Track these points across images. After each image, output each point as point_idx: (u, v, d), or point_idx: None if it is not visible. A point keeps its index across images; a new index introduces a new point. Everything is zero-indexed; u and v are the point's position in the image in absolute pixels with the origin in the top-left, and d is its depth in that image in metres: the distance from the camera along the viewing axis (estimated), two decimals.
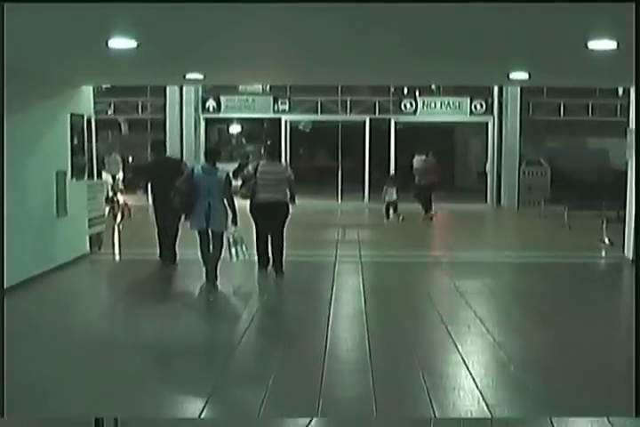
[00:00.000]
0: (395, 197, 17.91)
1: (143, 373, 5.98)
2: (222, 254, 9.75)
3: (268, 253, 10.45)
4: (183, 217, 9.99)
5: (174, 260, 11.11)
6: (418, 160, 19.12)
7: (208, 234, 9.73)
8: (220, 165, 9.93)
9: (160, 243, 11.15)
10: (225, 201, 9.60)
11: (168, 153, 12.08)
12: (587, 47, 7.07)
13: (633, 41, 4.86)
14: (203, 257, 9.81)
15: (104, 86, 19.52)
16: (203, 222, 9.59)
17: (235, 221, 9.69)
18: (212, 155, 10.13)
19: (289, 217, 10.46)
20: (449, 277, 10.51)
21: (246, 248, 9.93)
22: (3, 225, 7.19)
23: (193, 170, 9.81)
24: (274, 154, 11.03)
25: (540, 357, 6.50)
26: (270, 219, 10.30)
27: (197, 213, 9.57)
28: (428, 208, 18.31)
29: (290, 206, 10.43)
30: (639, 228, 9.76)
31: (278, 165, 10.71)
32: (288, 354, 6.51)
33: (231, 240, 9.82)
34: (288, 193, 10.35)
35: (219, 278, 9.65)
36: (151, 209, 11.27)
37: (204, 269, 9.75)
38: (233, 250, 9.84)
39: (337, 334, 7.29)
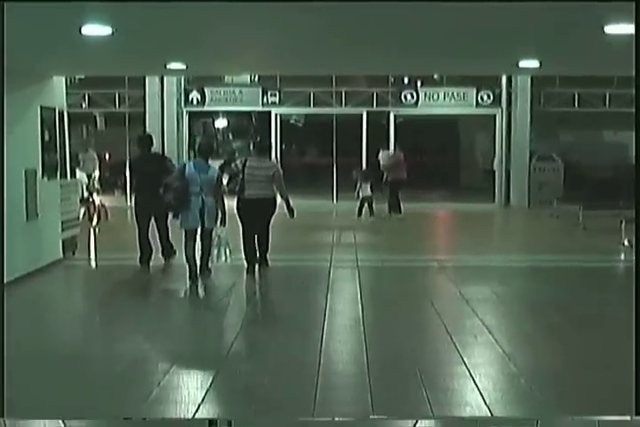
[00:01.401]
0: (369, 192, 17.96)
1: (109, 389, 5.96)
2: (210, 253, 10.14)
3: (256, 256, 10.71)
4: (171, 215, 10.18)
5: (170, 256, 11.33)
6: (384, 156, 19.12)
7: (196, 233, 9.97)
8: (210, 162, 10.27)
9: (141, 246, 11.23)
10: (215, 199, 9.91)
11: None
12: (603, 31, 7.06)
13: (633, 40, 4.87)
14: (187, 256, 10.00)
15: (78, 77, 19.50)
16: (198, 221, 9.86)
17: (223, 222, 10.02)
18: (205, 151, 10.46)
19: (275, 213, 10.74)
20: (453, 282, 10.50)
21: (230, 252, 10.13)
22: (2, 224, 7.18)
23: (185, 166, 10.13)
24: (263, 150, 11.48)
25: (553, 369, 6.48)
26: (257, 215, 10.58)
27: (192, 211, 9.78)
28: (396, 207, 18.33)
29: (277, 203, 10.79)
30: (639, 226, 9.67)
31: (267, 161, 11.07)
32: (279, 366, 6.49)
33: (216, 241, 10.02)
34: (276, 190, 10.68)
35: (212, 272, 10.26)
36: (131, 210, 11.33)
37: (187, 269, 9.98)
38: (216, 251, 10.06)
39: (332, 346, 7.27)
